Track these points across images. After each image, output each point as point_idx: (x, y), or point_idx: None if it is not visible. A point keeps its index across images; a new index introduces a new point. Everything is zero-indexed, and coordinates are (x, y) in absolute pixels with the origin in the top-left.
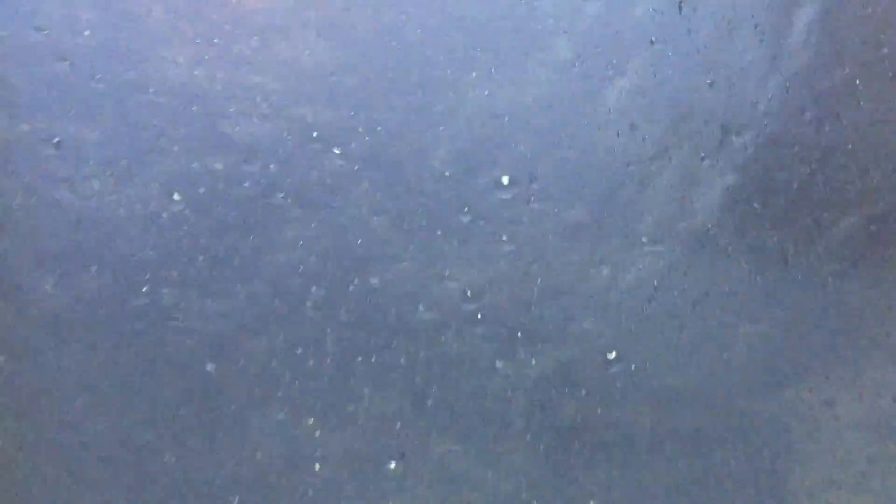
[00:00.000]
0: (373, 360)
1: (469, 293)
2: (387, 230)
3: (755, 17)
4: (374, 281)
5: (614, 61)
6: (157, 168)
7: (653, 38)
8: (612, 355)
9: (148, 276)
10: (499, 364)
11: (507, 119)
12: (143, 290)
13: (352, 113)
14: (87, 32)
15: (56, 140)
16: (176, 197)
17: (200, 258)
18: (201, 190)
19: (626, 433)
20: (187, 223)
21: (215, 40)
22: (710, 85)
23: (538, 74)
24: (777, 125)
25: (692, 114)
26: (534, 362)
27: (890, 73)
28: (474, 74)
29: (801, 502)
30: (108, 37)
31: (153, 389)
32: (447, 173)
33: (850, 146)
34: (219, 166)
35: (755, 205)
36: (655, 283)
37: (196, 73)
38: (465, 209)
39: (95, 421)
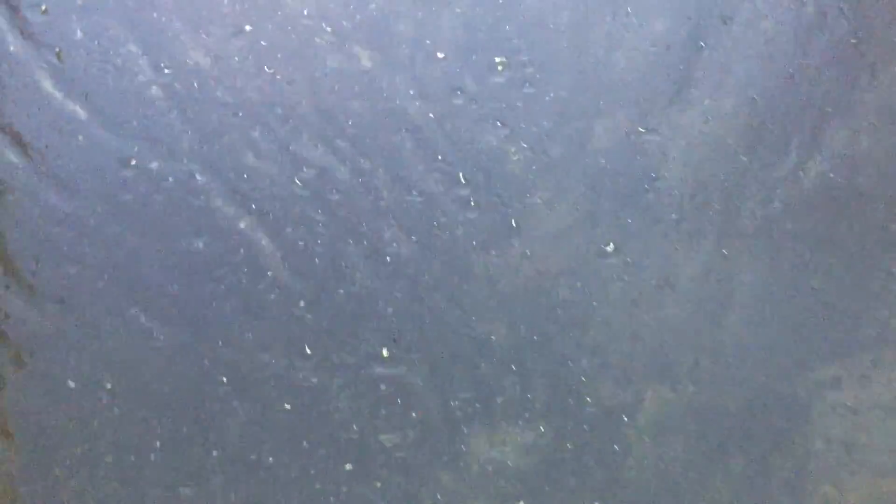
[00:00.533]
0: (364, 243)
1: (462, 177)
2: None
3: None
4: (366, 165)
5: None
6: None
7: None
8: (610, 248)
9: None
10: (493, 253)
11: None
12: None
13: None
14: None
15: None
16: None
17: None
18: None
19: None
20: None
21: None
22: None
23: None
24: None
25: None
26: (528, 252)
27: None
28: None
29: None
30: None
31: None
32: (440, 55)
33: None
34: None
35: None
36: (654, 175)
37: None
38: (459, 92)
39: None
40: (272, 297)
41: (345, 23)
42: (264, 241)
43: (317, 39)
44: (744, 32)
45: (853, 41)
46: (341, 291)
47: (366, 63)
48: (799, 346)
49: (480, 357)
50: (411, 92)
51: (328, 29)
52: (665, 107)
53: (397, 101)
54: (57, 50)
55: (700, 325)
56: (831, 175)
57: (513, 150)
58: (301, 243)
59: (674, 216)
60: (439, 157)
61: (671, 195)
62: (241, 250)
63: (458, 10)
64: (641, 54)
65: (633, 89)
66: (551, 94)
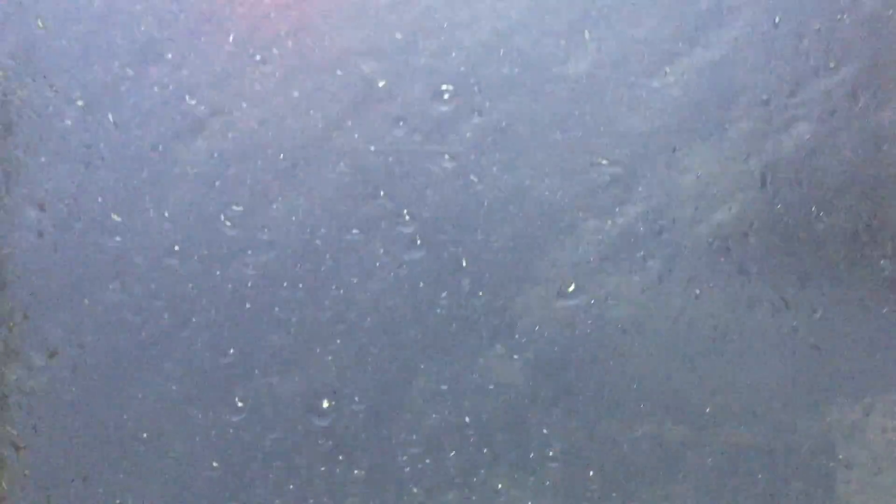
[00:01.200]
0: (300, 286)
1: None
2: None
3: None
4: (299, 200)
5: None
6: None
7: None
8: (571, 288)
9: None
10: (443, 296)
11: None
12: None
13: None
14: None
15: None
16: None
17: None
18: None
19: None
20: None
21: None
22: None
23: None
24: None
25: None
26: (480, 294)
27: None
28: None
29: None
30: None
31: None
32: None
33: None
34: None
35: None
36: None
37: None
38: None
39: None
40: (198, 344)
41: (275, 50)
42: (190, 285)
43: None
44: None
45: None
46: (275, 337)
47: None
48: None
49: (429, 408)
50: (349, 122)
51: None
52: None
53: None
54: None
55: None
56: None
57: (461, 183)
58: (229, 286)
59: (639, 254)
60: (381, 193)
61: (634, 231)
62: (163, 294)
63: (399, 36)
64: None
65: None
66: (503, 124)
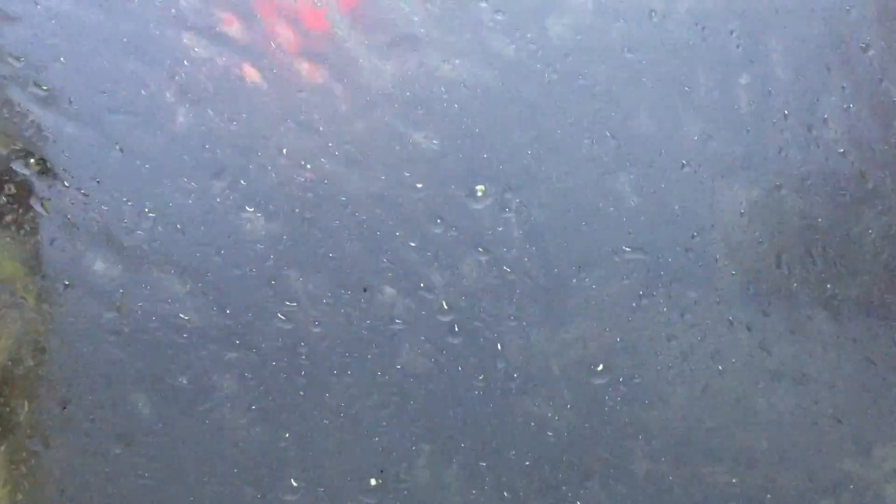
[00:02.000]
0: (348, 373)
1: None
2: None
3: None
4: (346, 296)
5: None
6: None
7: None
8: (601, 368)
9: None
10: (479, 378)
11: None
12: None
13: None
14: None
15: None
16: None
17: None
18: None
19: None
20: None
21: None
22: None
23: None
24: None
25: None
26: (515, 376)
27: None
28: None
29: None
30: None
31: None
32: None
33: None
34: None
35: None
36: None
37: None
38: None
39: None
40: (256, 429)
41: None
42: (247, 373)
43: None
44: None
45: None
46: (326, 422)
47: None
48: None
49: (471, 487)
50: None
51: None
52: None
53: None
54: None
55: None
56: None
57: (494, 274)
58: (283, 375)
59: (664, 334)
60: (421, 285)
61: (660, 312)
62: (224, 384)
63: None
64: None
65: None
66: (533, 217)
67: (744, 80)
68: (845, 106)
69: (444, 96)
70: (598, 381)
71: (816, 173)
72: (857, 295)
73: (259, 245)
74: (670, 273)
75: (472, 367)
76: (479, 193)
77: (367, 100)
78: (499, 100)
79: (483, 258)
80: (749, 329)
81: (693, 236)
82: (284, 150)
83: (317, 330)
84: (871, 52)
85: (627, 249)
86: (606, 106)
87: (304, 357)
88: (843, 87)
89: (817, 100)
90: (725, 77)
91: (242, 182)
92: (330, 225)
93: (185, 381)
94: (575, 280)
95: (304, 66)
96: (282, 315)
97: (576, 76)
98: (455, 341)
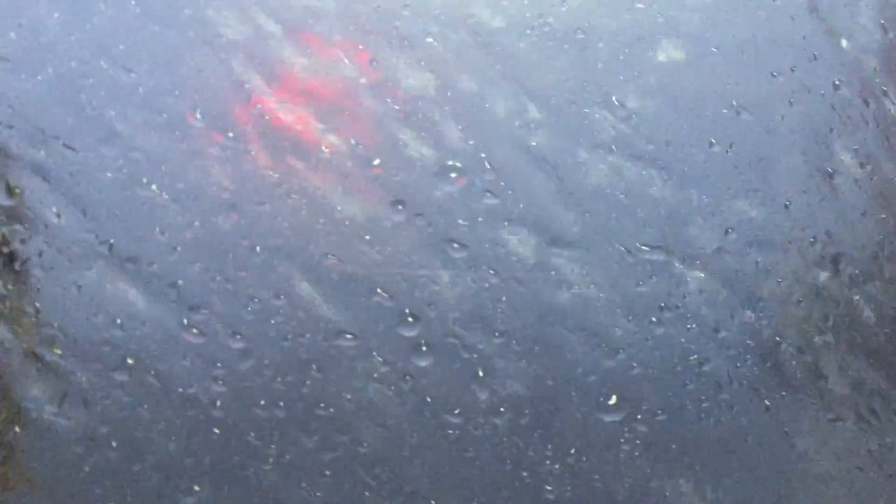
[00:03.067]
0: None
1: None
2: None
3: None
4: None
5: None
6: None
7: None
8: (613, 401)
9: None
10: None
11: None
12: None
13: None
14: None
15: None
16: None
17: None
18: None
19: None
20: None
21: None
22: None
23: None
24: None
25: None
26: (501, 410)
27: None
28: None
29: None
30: None
31: None
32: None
33: None
34: None
35: None
36: None
37: None
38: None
39: None
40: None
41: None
42: (141, 403)
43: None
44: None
45: None
46: (249, 473)
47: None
48: None
49: None
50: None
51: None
52: None
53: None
54: None
55: None
56: None
57: (472, 276)
58: (191, 407)
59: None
60: (378, 289)
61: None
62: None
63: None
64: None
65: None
66: (520, 206)
67: None
68: None
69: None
70: (609, 419)
71: None
72: None
73: (161, 233)
74: (698, 280)
75: (445, 399)
76: (453, 174)
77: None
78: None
79: (458, 255)
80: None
81: (728, 231)
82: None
83: (237, 346)
84: None
85: (645, 248)
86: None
87: (220, 382)
88: None
89: None
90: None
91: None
92: (258, 209)
93: (54, 414)
94: (576, 287)
95: None
96: (189, 325)
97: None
98: (422, 363)
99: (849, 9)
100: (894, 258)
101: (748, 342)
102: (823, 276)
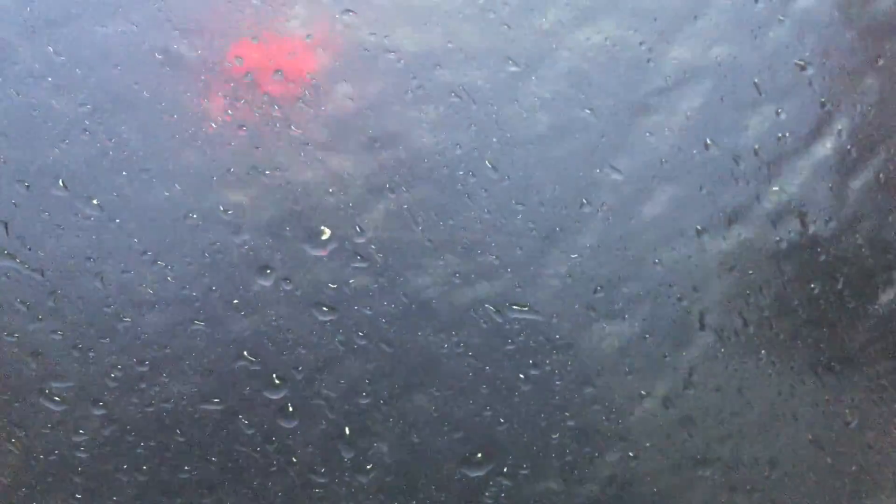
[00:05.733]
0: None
1: None
2: None
3: None
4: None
5: None
6: None
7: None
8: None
9: None
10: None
11: None
12: None
13: None
14: None
15: None
16: None
17: None
18: None
19: None
20: None
21: None
22: None
23: None
24: None
25: None
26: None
27: None
28: None
29: None
30: None
31: None
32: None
33: None
34: None
35: None
36: None
37: None
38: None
39: None
40: None
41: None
42: None
43: None
44: None
45: None
46: None
47: None
48: None
49: None
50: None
51: None
52: None
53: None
54: None
55: None
56: None
57: (341, 339)
58: (50, 478)
59: None
60: (245, 353)
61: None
62: None
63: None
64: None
65: None
66: (391, 267)
67: None
68: None
69: None
70: (474, 474)
71: None
72: None
73: (22, 304)
74: (566, 339)
75: (311, 459)
76: (324, 237)
77: None
78: None
79: (326, 318)
80: None
81: (596, 290)
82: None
83: (98, 412)
84: None
85: (515, 308)
86: None
87: (81, 448)
88: None
89: None
90: None
91: None
92: (122, 277)
93: None
94: (444, 347)
95: None
96: (51, 393)
97: None
98: (287, 425)
99: None
100: None
101: (615, 397)
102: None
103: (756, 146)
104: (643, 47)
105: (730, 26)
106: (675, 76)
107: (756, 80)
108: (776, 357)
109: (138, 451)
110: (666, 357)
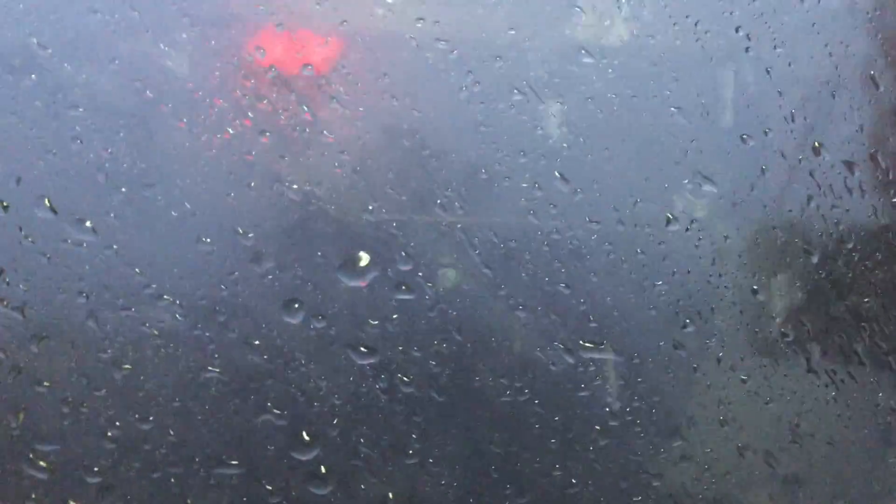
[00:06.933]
0: None
1: None
2: None
3: None
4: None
5: None
6: None
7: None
8: None
9: None
10: None
11: None
12: None
13: None
14: None
15: None
16: None
17: None
18: None
19: None
20: None
21: None
22: None
23: None
24: None
25: None
26: None
27: None
28: None
29: None
30: None
31: None
32: None
33: None
34: None
35: None
36: None
37: None
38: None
39: None
40: None
41: None
42: None
43: None
44: None
45: None
46: None
47: None
48: None
49: None
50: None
51: None
52: None
53: None
54: None
55: None
56: None
57: (383, 386)
58: None
59: None
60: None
61: None
62: None
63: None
64: None
65: None
66: (442, 299)
67: None
68: None
69: None
70: None
71: None
72: None
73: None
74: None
75: None
76: (362, 263)
77: None
78: None
79: (365, 361)
80: None
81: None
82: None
83: (93, 481)
84: None
85: (589, 345)
86: None
87: None
88: None
89: None
90: None
91: None
92: (121, 314)
93: None
94: (508, 391)
95: None
96: (36, 458)
97: None
98: (320, 492)
99: None
100: None
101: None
102: None
103: (873, 150)
104: (740, 33)
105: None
106: (778, 68)
107: (872, 73)
108: None
109: None
110: (768, 404)
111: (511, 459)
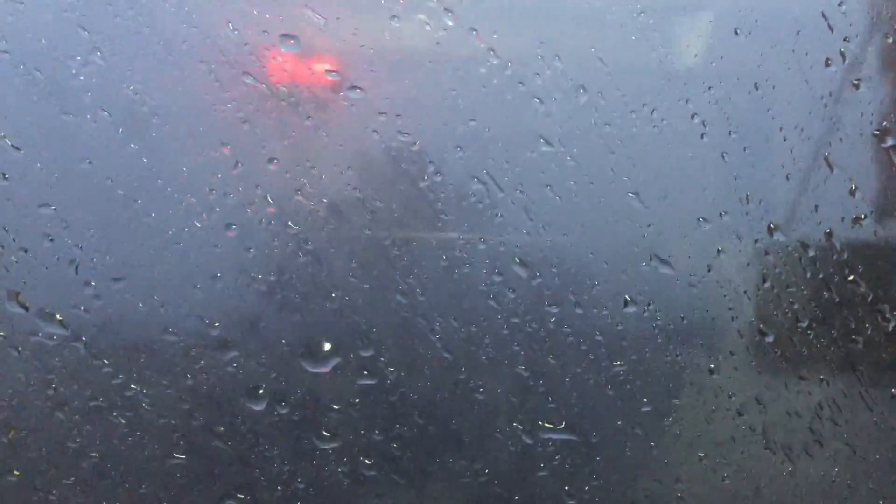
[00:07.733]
0: None
1: None
2: None
3: None
4: None
5: None
6: None
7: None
8: None
9: None
10: None
11: None
12: None
13: None
14: None
15: None
16: None
17: None
18: None
19: None
20: None
21: None
22: None
23: None
24: None
25: None
26: None
27: None
28: None
29: None
30: None
31: None
32: None
33: None
34: None
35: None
36: None
37: None
38: None
39: None
40: None
41: None
42: None
43: None
44: None
45: None
46: None
47: None
48: None
49: None
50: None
51: None
52: None
53: None
54: None
55: None
56: None
57: (344, 470)
58: None
59: None
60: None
61: None
62: None
63: None
64: None
65: None
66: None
67: None
68: None
69: None
70: None
71: None
72: None
73: None
74: None
75: None
76: (325, 349)
77: None
78: None
79: (328, 446)
80: None
81: None
82: None
83: None
84: None
85: (548, 426)
86: None
87: None
88: None
89: None
90: None
91: None
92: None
93: None
94: (468, 473)
95: None
96: None
97: None
98: None
99: None
100: None
101: None
102: None
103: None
104: (695, 120)
105: None
106: (733, 153)
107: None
108: None
109: None
110: (724, 481)
111: None
